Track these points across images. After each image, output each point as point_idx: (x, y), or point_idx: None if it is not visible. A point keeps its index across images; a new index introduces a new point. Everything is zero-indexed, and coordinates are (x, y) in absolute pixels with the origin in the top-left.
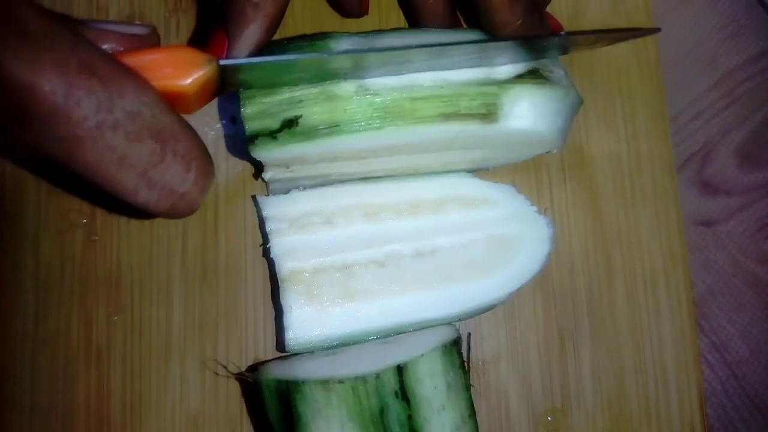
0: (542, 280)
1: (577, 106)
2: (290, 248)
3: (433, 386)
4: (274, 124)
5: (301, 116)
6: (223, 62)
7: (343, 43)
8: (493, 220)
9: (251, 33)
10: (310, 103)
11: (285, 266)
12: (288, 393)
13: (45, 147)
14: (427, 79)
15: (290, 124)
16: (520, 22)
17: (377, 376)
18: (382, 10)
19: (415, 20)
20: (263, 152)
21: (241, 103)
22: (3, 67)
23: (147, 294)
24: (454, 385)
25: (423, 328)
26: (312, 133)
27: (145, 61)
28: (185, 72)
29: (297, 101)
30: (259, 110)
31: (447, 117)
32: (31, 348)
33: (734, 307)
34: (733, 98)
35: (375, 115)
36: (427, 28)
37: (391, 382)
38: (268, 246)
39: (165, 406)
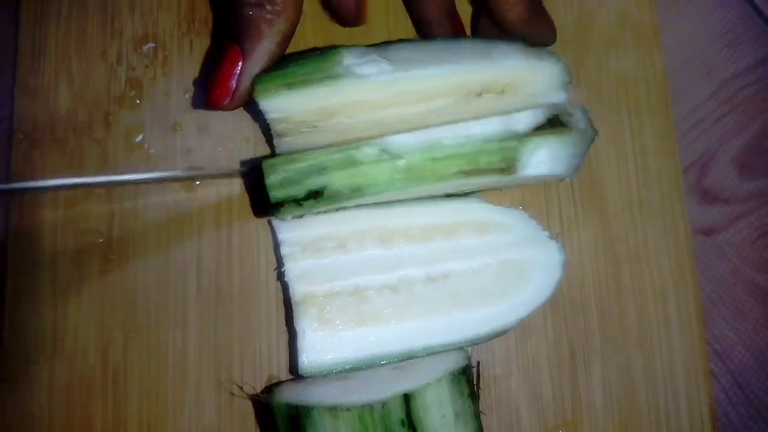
0: (553, 296)
1: (591, 140)
2: (304, 272)
3: (440, 415)
4: (299, 192)
5: (326, 187)
6: None
7: (354, 54)
8: (505, 246)
9: (265, 49)
10: (334, 169)
11: (298, 290)
12: (298, 417)
13: None
14: (449, 135)
15: (316, 195)
16: (528, 18)
17: (383, 404)
18: (390, 21)
19: (420, 33)
20: (288, 215)
21: (264, 172)
22: None
23: (163, 315)
24: (462, 414)
25: (435, 353)
26: (336, 197)
27: None
28: None
29: (320, 168)
30: (282, 179)
31: (467, 174)
32: (48, 367)
33: (736, 315)
34: (731, 107)
35: (397, 177)
36: (432, 40)
37: (397, 411)
38: (282, 270)
39: (181, 427)
